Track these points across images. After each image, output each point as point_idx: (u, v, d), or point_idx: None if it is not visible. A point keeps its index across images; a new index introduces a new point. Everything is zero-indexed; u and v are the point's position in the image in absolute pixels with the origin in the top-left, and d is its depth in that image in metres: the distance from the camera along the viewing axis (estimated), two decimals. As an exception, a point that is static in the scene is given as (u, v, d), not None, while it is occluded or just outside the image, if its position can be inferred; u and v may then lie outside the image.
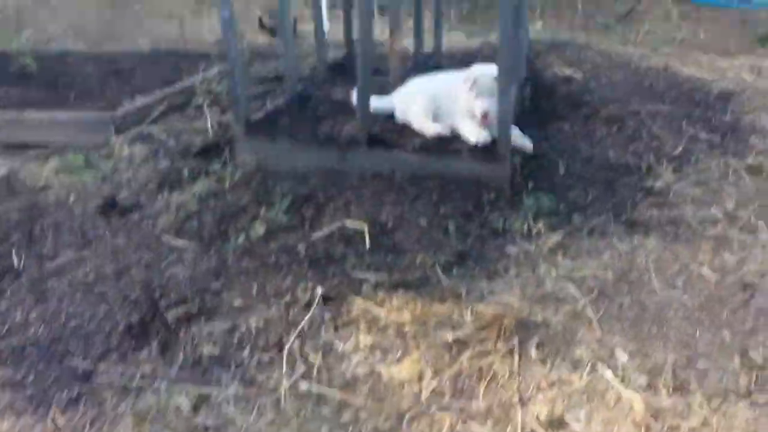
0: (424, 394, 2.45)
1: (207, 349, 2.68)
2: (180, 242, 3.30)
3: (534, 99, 4.79)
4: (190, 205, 3.65)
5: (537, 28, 7.23)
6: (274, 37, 7.17)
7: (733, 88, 5.27)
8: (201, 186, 3.81)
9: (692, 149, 4.18)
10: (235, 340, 2.72)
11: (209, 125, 4.61)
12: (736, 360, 2.56)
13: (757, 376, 2.47)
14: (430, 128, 3.96)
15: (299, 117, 4.32)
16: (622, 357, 2.58)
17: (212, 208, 3.60)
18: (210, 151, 4.28)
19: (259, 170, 3.91)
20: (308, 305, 2.79)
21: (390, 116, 4.23)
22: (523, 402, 2.39)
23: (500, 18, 3.60)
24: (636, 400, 2.37)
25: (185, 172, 3.96)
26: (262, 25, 7.66)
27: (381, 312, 2.75)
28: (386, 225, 3.40)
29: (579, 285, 2.95)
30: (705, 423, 2.28)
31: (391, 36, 4.74)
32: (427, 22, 6.24)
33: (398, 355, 2.62)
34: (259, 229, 3.33)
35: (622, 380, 2.47)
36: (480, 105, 3.73)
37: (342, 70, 5.35)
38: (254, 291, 2.91)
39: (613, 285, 2.96)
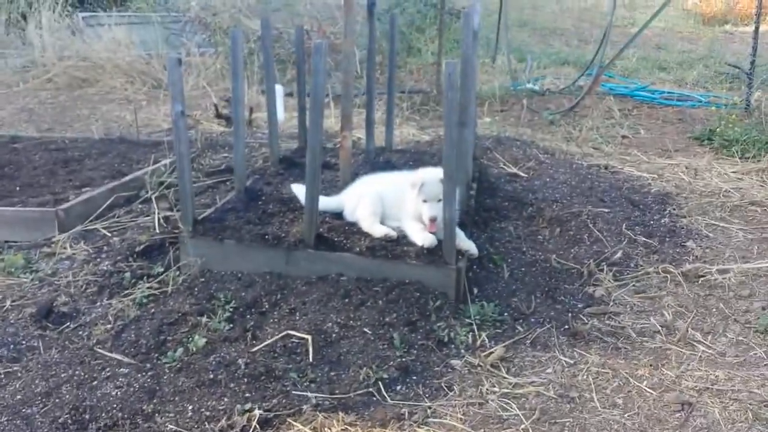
0: None
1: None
2: (115, 356, 3.19)
3: (479, 197, 4.89)
4: (129, 312, 3.56)
5: (485, 123, 7.47)
6: (230, 125, 7.25)
7: (671, 189, 5.48)
8: (142, 290, 3.73)
9: (631, 254, 4.29)
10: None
11: (156, 221, 4.56)
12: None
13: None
14: (377, 230, 3.97)
15: (247, 215, 4.29)
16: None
17: (151, 315, 3.51)
18: (154, 250, 4.22)
19: (203, 273, 3.85)
20: (244, 431, 2.69)
21: (339, 214, 4.26)
22: None
23: (445, 127, 3.70)
24: None
25: (127, 275, 3.88)
26: (218, 114, 7.73)
27: (319, 440, 2.68)
28: (331, 335, 3.36)
29: (522, 404, 2.94)
30: None
31: (342, 131, 4.80)
32: (380, 113, 6.39)
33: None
34: (199, 341, 3.25)
35: None
36: (427, 210, 3.78)
37: (294, 163, 5.40)
38: (189, 414, 2.81)
39: (555, 404, 2.95)
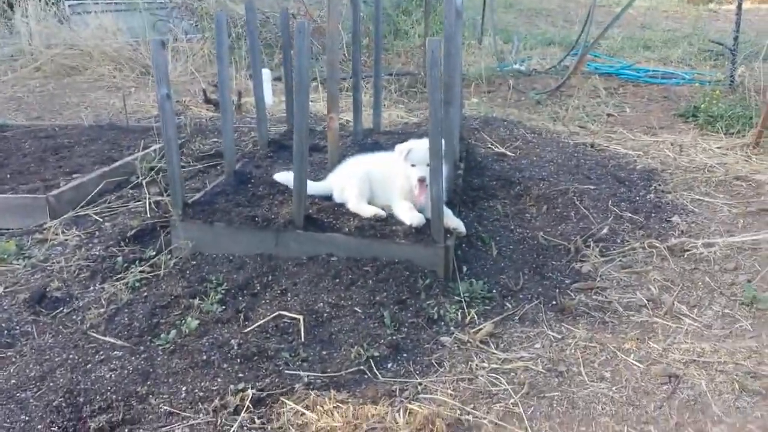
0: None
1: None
2: (109, 339, 3.22)
3: (467, 176, 4.91)
4: (122, 295, 3.58)
5: (472, 104, 7.48)
6: (219, 110, 7.22)
7: (656, 165, 5.52)
8: (134, 274, 3.75)
9: (618, 230, 4.34)
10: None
11: (147, 206, 4.57)
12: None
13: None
14: (365, 210, 4.00)
15: (237, 198, 4.31)
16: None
17: (144, 299, 3.54)
18: (146, 234, 4.24)
19: (195, 256, 3.88)
20: (237, 411, 2.73)
21: (328, 197, 4.27)
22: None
23: (430, 104, 3.71)
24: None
25: (119, 260, 3.90)
26: (207, 99, 7.71)
27: (312, 417, 2.71)
28: (322, 314, 3.39)
29: (511, 379, 2.99)
30: None
31: (329, 113, 4.80)
32: (368, 96, 6.39)
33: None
34: (192, 323, 3.28)
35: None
36: (415, 172, 3.79)
37: (283, 146, 5.41)
38: (182, 395, 2.84)
39: (543, 378, 3.00)
